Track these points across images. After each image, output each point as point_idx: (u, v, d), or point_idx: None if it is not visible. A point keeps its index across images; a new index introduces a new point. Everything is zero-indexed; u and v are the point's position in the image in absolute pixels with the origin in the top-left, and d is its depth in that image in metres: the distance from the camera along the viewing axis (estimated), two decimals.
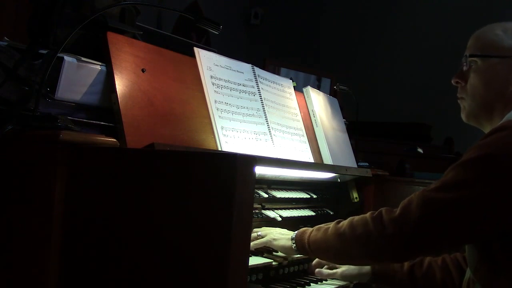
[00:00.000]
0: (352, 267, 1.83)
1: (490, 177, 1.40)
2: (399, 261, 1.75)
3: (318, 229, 1.66)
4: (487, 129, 1.64)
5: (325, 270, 1.86)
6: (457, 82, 1.70)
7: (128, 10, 1.79)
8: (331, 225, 1.62)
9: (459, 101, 1.72)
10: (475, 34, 1.69)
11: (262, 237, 1.80)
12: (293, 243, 1.71)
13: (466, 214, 1.41)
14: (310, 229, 1.70)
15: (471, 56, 1.65)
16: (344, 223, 1.57)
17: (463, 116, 1.71)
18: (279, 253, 1.80)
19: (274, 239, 1.77)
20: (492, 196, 1.39)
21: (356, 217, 1.56)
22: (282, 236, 1.77)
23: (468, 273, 1.58)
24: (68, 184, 1.26)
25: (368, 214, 1.53)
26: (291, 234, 1.75)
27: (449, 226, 1.42)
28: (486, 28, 1.67)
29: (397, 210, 1.47)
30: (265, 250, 1.81)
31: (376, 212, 1.51)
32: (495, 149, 1.42)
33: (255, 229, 1.84)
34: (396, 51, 6.05)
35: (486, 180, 1.40)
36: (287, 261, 1.82)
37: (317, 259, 1.88)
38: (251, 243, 1.77)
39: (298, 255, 1.81)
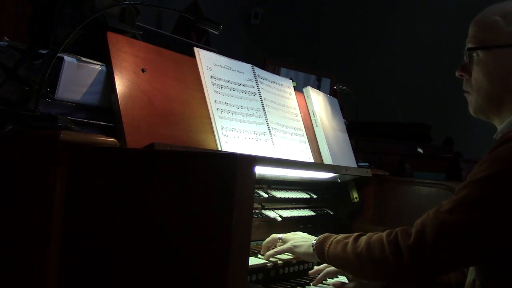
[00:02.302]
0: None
1: (505, 194, 1.35)
2: (416, 285, 1.66)
3: (337, 242, 1.61)
4: (496, 122, 1.58)
5: None
6: (461, 75, 1.62)
7: (128, 10, 1.79)
8: (350, 240, 1.57)
9: (465, 94, 1.64)
10: (474, 21, 1.60)
11: (283, 242, 1.78)
12: (314, 251, 1.68)
13: (483, 234, 1.36)
14: (331, 238, 1.65)
15: (469, 49, 1.57)
16: (362, 241, 1.53)
17: (470, 111, 1.63)
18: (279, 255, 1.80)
19: (296, 246, 1.74)
20: (508, 214, 1.34)
21: (374, 237, 1.51)
22: (303, 243, 1.73)
23: (471, 276, 1.55)
24: (68, 184, 1.26)
25: (385, 236, 1.47)
26: (312, 239, 1.71)
27: (466, 248, 1.38)
28: (484, 14, 1.57)
29: (412, 235, 1.41)
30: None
31: (392, 234, 1.46)
32: (508, 164, 1.37)
33: (275, 235, 1.83)
34: (396, 51, 6.06)
35: (502, 197, 1.36)
36: (295, 260, 1.82)
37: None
38: (272, 251, 1.76)
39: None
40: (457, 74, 1.64)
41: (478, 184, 1.39)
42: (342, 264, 1.60)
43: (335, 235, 1.66)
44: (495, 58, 1.53)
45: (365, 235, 1.55)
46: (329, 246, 1.63)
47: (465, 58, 1.61)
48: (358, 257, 1.52)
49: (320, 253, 1.66)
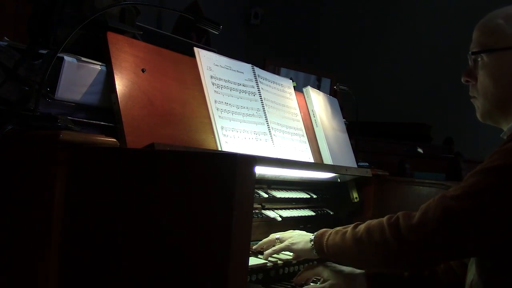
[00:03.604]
0: (340, 280, 1.69)
1: None
2: (415, 270, 1.67)
3: (336, 233, 1.60)
4: (504, 127, 1.58)
5: None
6: (467, 81, 1.62)
7: (128, 10, 1.79)
8: (349, 228, 1.56)
9: (471, 100, 1.63)
10: (477, 26, 1.59)
11: (281, 242, 1.77)
12: (312, 245, 1.67)
13: (488, 224, 1.36)
14: (329, 231, 1.64)
15: (473, 53, 1.57)
16: (361, 227, 1.52)
17: (478, 116, 1.63)
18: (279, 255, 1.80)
19: (293, 243, 1.73)
20: None
21: (373, 222, 1.50)
22: (301, 239, 1.72)
23: (471, 277, 1.54)
24: (68, 184, 1.26)
25: (385, 219, 1.47)
26: (309, 235, 1.70)
27: (469, 236, 1.37)
28: (487, 18, 1.58)
29: (415, 217, 1.41)
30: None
31: (394, 218, 1.45)
32: None
33: (273, 234, 1.83)
34: (396, 51, 6.06)
35: (510, 189, 1.35)
36: (295, 261, 1.81)
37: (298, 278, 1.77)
38: (270, 250, 1.75)
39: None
40: (463, 80, 1.63)
41: (487, 173, 1.39)
42: (341, 253, 1.58)
43: (334, 228, 1.65)
44: (500, 60, 1.53)
45: (364, 223, 1.54)
46: (328, 237, 1.63)
47: (469, 63, 1.60)
48: (358, 242, 1.51)
49: (319, 246, 1.65)
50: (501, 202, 1.36)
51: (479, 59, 1.57)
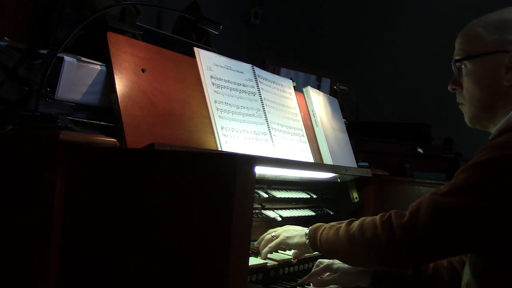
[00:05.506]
0: (350, 272, 1.72)
1: (503, 180, 1.36)
2: (407, 267, 1.69)
3: (330, 228, 1.62)
4: (492, 130, 1.60)
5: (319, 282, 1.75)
6: (453, 89, 1.68)
7: (128, 10, 1.78)
8: (343, 224, 1.58)
9: (459, 106, 1.69)
10: (459, 36, 1.66)
11: (277, 237, 1.78)
12: (307, 239, 1.69)
13: (479, 219, 1.36)
14: (324, 226, 1.66)
15: (456, 61, 1.63)
16: (355, 224, 1.54)
17: (466, 121, 1.68)
18: (278, 255, 1.80)
19: (288, 237, 1.75)
20: (506, 199, 1.34)
21: (367, 219, 1.52)
22: (296, 233, 1.74)
23: (466, 278, 1.54)
24: (68, 184, 1.26)
25: (378, 217, 1.49)
26: (305, 230, 1.73)
27: (460, 232, 1.38)
28: (467, 27, 1.64)
29: (406, 215, 1.42)
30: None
31: (386, 215, 1.47)
32: (508, 150, 1.38)
33: (270, 231, 1.83)
34: (396, 51, 6.05)
35: (499, 182, 1.36)
36: (296, 260, 1.81)
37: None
38: (267, 248, 1.76)
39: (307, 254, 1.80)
40: (449, 88, 1.69)
41: (476, 168, 1.41)
42: (334, 249, 1.60)
43: (328, 223, 1.67)
44: (481, 66, 1.58)
45: (358, 220, 1.56)
46: (322, 232, 1.65)
47: (454, 71, 1.66)
48: (351, 239, 1.52)
49: (313, 241, 1.67)
50: (491, 197, 1.36)
51: (463, 66, 1.63)
